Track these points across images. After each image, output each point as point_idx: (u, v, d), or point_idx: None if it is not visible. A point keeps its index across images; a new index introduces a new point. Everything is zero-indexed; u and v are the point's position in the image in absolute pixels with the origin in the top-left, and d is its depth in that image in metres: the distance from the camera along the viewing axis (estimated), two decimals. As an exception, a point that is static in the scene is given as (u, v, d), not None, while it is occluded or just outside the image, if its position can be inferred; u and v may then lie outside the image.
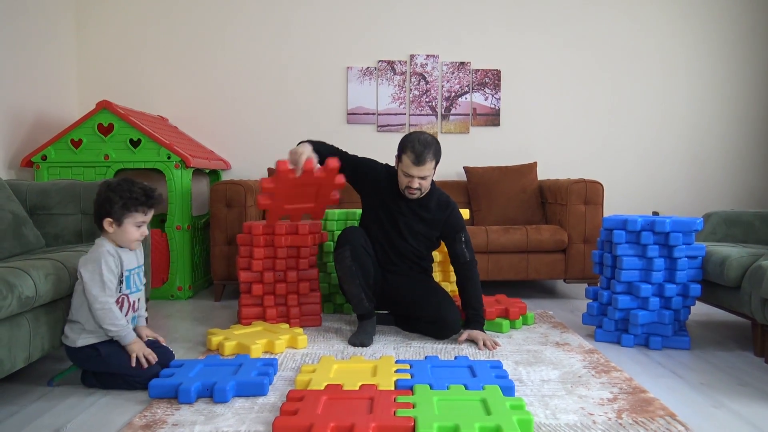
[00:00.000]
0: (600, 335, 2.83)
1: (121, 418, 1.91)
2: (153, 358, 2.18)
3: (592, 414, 1.92)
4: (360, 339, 2.72)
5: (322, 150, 2.82)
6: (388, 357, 2.37)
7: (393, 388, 2.04)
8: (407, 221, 2.87)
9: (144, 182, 2.25)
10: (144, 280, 2.36)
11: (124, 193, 2.16)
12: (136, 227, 2.20)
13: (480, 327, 2.77)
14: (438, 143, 2.76)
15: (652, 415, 1.91)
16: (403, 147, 2.72)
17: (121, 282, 2.19)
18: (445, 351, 2.63)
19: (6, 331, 1.90)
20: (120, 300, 2.18)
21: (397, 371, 2.21)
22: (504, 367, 2.38)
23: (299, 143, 2.78)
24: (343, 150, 2.96)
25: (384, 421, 1.73)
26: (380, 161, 3.02)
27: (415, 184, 2.72)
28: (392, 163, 2.97)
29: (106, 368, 2.15)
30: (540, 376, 2.29)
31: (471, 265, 2.85)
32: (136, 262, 2.30)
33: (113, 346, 2.16)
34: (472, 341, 2.74)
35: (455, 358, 2.38)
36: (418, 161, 2.67)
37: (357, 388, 2.01)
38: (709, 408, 2.02)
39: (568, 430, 1.80)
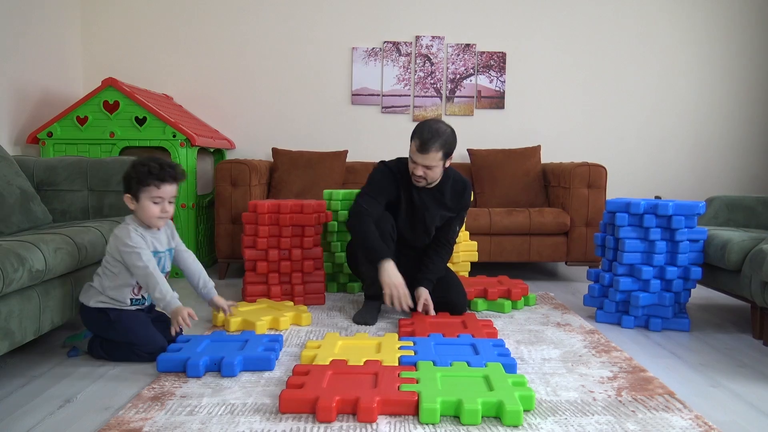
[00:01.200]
0: (601, 316, 2.87)
1: (130, 390, 1.95)
2: (188, 323, 2.19)
3: (592, 391, 1.95)
4: (364, 317, 2.76)
5: (385, 247, 2.69)
6: (391, 334, 2.39)
7: (397, 364, 2.06)
8: (432, 213, 2.81)
9: (167, 160, 2.26)
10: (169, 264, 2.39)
11: (141, 168, 2.19)
12: (153, 203, 2.20)
13: (426, 291, 2.79)
14: (450, 135, 2.65)
15: (651, 393, 1.94)
16: (414, 132, 2.67)
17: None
18: (447, 330, 2.67)
19: (17, 304, 1.93)
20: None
21: (400, 348, 2.24)
22: (506, 346, 2.40)
23: (382, 269, 2.63)
24: (369, 197, 2.75)
25: (388, 395, 1.76)
26: (386, 160, 2.93)
27: (419, 171, 2.66)
28: (394, 153, 2.96)
29: (113, 335, 2.19)
30: (541, 355, 2.33)
31: (451, 245, 2.90)
32: (166, 244, 2.34)
33: (123, 315, 2.20)
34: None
35: (458, 336, 2.39)
36: (423, 149, 2.60)
37: (362, 364, 2.03)
38: (708, 387, 2.05)
39: (568, 407, 1.83)
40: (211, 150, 4.37)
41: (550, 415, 1.77)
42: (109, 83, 3.68)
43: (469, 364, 2.04)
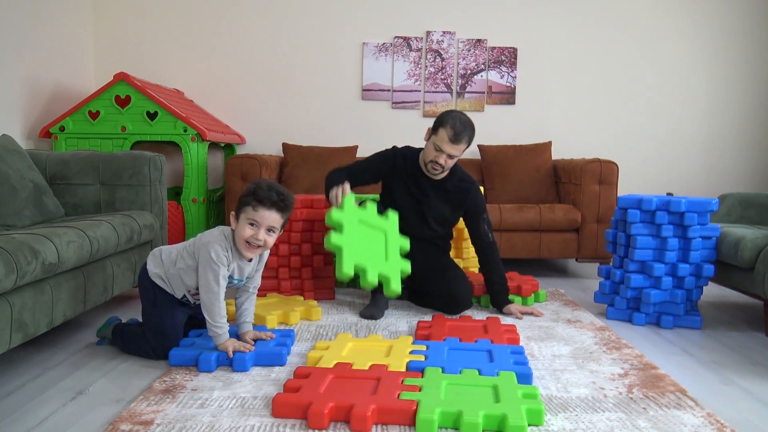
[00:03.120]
0: (611, 313, 2.85)
1: (142, 383, 1.96)
2: (246, 348, 2.11)
3: (603, 388, 1.94)
4: (370, 312, 2.76)
5: (347, 178, 2.78)
6: (406, 337, 2.31)
7: (404, 370, 1.98)
8: (431, 203, 2.87)
9: (284, 188, 2.14)
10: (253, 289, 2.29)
11: (250, 187, 2.10)
12: (249, 224, 2.06)
13: (507, 300, 2.88)
14: (475, 129, 2.78)
15: (663, 390, 1.93)
16: (443, 121, 2.72)
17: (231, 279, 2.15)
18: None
19: (30, 296, 1.95)
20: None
21: (411, 352, 2.14)
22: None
23: (330, 183, 2.76)
24: (352, 167, 2.93)
25: (385, 404, 1.67)
26: (385, 148, 3.01)
27: (442, 160, 2.73)
28: (399, 143, 2.99)
29: (145, 311, 2.19)
30: (552, 351, 2.32)
31: (494, 246, 2.91)
32: (244, 274, 2.19)
33: (168, 304, 2.18)
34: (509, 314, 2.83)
35: (476, 341, 2.25)
36: (456, 139, 2.68)
37: (367, 368, 1.95)
38: (719, 385, 2.04)
39: (579, 403, 1.82)
40: (222, 145, 4.38)
41: (560, 412, 1.76)
42: (121, 78, 3.69)
43: (480, 372, 1.92)
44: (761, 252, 2.54)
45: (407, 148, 2.96)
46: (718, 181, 4.65)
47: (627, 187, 4.54)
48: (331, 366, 1.96)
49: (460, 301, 2.81)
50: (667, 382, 2.00)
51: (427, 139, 2.81)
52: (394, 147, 2.98)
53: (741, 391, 1.98)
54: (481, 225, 2.89)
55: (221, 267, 2.06)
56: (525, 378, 1.91)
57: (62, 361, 2.17)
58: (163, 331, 2.16)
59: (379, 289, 2.83)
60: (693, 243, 2.70)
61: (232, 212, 2.12)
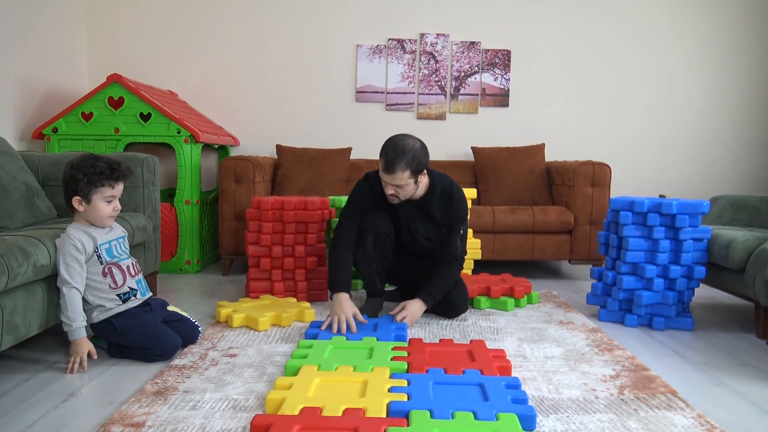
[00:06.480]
0: (604, 315, 2.86)
1: (134, 385, 1.96)
2: (84, 366, 2.09)
3: (594, 389, 1.95)
4: (363, 314, 2.75)
5: (347, 279, 2.67)
6: (381, 369, 1.96)
7: (384, 414, 1.65)
8: (417, 226, 2.77)
9: (109, 156, 2.25)
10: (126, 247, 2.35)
11: (88, 169, 2.14)
12: (106, 202, 2.18)
13: (421, 304, 2.68)
14: (418, 151, 2.53)
15: (654, 391, 1.94)
16: (381, 150, 2.56)
17: (98, 257, 2.19)
18: (451, 327, 2.67)
19: (21, 298, 1.94)
20: (108, 270, 2.20)
21: (391, 389, 1.80)
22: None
23: (333, 295, 2.60)
24: (347, 217, 2.77)
25: None
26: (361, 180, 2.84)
27: (390, 190, 2.59)
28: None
29: (124, 341, 2.20)
30: (543, 353, 2.33)
31: (459, 261, 2.76)
32: (119, 232, 2.33)
33: (128, 321, 2.19)
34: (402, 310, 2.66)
35: (463, 372, 1.96)
36: (387, 168, 2.52)
37: (339, 414, 1.63)
38: (710, 386, 2.05)
39: (570, 404, 1.83)
40: (216, 146, 4.38)
41: (552, 413, 1.77)
42: (114, 79, 3.69)
43: (475, 416, 1.62)
44: (752, 254, 2.56)
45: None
46: (710, 184, 4.68)
47: (620, 189, 4.57)
48: (296, 412, 1.63)
49: (456, 306, 2.80)
50: (658, 384, 2.01)
51: None
52: (366, 175, 2.80)
53: (731, 393, 2.00)
54: (453, 235, 2.74)
55: (76, 271, 2.10)
56: (528, 420, 1.63)
57: (54, 363, 2.16)
58: (147, 339, 2.17)
59: (372, 293, 2.84)
60: (684, 245, 2.72)
61: (76, 198, 2.15)
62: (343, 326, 2.43)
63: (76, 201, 2.16)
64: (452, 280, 2.75)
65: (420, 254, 2.92)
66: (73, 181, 2.15)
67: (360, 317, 2.53)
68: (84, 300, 2.17)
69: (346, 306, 2.52)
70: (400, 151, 2.50)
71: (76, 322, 2.10)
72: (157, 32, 4.50)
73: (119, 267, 2.24)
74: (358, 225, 2.75)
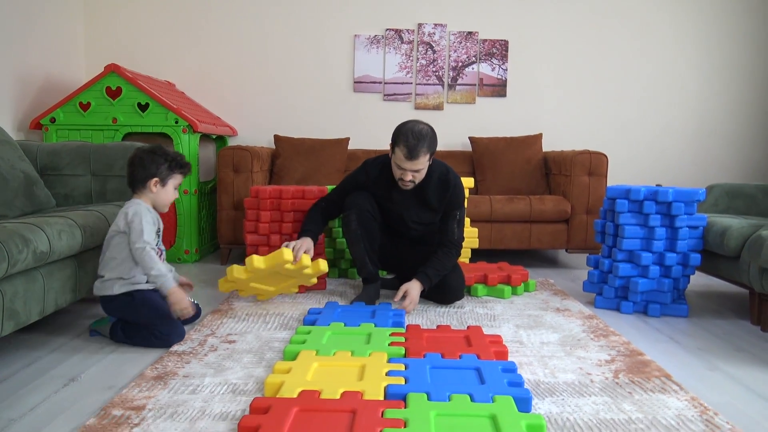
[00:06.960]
0: (600, 302, 2.88)
1: (134, 370, 1.98)
2: (189, 312, 2.23)
3: (589, 374, 1.98)
4: (361, 301, 2.78)
5: (318, 230, 2.84)
6: (379, 354, 1.99)
7: (382, 398, 1.67)
8: (412, 215, 2.81)
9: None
10: None
11: (168, 156, 2.33)
12: (174, 189, 2.37)
13: (419, 286, 2.69)
14: (433, 133, 2.63)
15: (648, 375, 1.96)
16: (396, 138, 2.59)
17: (158, 235, 2.32)
18: (448, 314, 2.69)
19: (21, 285, 1.96)
20: (158, 253, 2.28)
21: (388, 373, 1.83)
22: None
23: (301, 234, 2.75)
24: (331, 192, 2.93)
25: None
26: (358, 168, 2.92)
27: (408, 177, 2.63)
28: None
29: (139, 316, 2.22)
30: (540, 339, 2.35)
31: (456, 246, 2.78)
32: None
33: (146, 295, 2.23)
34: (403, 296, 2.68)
35: (460, 357, 1.98)
36: (411, 155, 2.54)
37: (337, 397, 1.65)
38: (704, 370, 2.07)
39: (566, 388, 1.85)
40: (214, 137, 4.38)
41: (547, 396, 1.79)
42: (112, 69, 3.69)
43: (472, 398, 1.64)
44: (747, 241, 2.58)
45: (385, 156, 2.85)
46: (706, 173, 4.70)
47: (616, 178, 4.58)
48: (295, 395, 1.65)
49: (452, 291, 2.82)
50: (653, 368, 2.03)
51: (390, 156, 2.69)
52: (366, 161, 2.88)
53: (725, 376, 2.02)
54: (450, 221, 2.78)
55: (149, 230, 2.25)
56: (524, 403, 1.66)
57: (54, 349, 2.18)
58: (163, 313, 2.20)
59: (367, 277, 2.85)
60: (680, 232, 2.74)
61: (155, 179, 2.30)
62: (299, 253, 2.59)
63: (153, 182, 2.30)
64: (450, 265, 2.77)
65: (413, 239, 2.94)
66: (154, 165, 2.30)
67: (311, 253, 2.67)
68: (116, 270, 2.23)
69: (304, 241, 2.67)
70: (420, 136, 2.56)
71: (171, 272, 2.28)
72: (154, 22, 4.49)
73: (159, 249, 2.33)
74: (341, 206, 2.85)
